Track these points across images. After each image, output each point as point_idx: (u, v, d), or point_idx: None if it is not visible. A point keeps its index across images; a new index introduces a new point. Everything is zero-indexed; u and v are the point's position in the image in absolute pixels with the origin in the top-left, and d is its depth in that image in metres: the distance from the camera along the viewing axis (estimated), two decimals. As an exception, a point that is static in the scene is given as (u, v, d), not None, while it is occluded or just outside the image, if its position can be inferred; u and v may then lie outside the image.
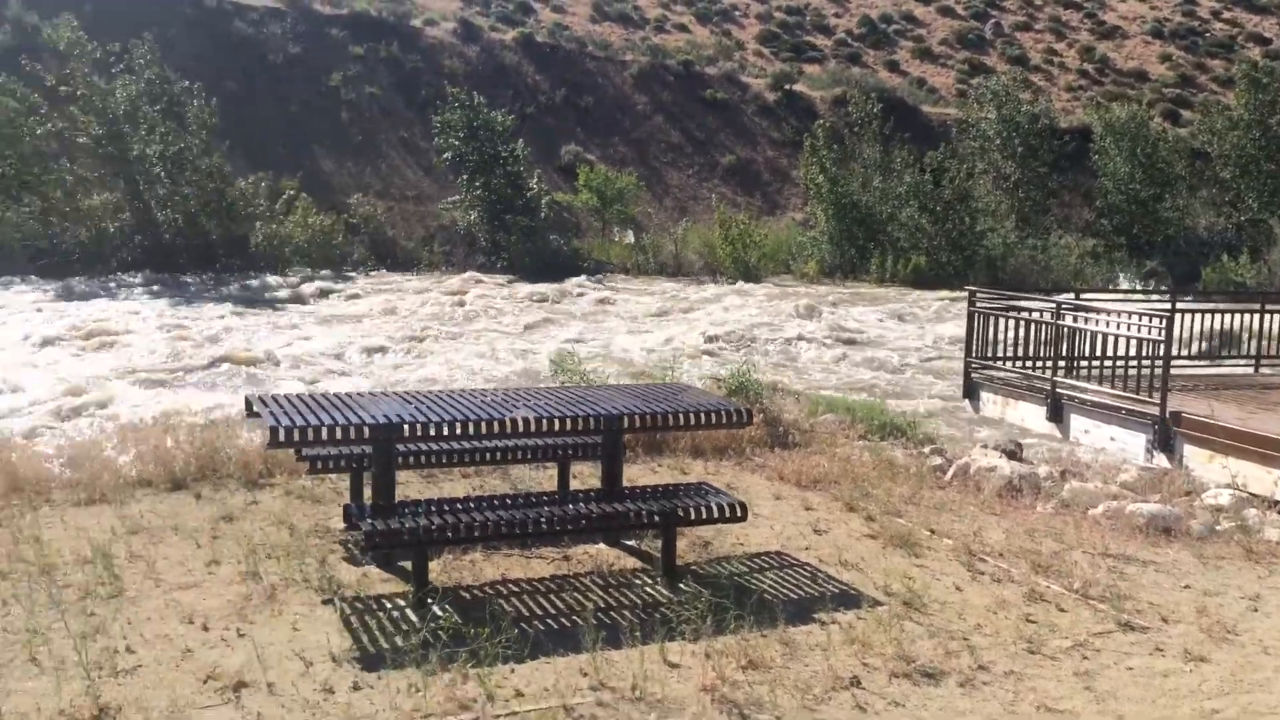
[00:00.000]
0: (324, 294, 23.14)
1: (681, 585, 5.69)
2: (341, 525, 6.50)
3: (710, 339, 18.38)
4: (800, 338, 18.86)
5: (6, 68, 25.32)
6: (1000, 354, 10.58)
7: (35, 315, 18.91)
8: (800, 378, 15.08)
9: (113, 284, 23.07)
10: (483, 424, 5.68)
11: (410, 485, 7.42)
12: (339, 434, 5.49)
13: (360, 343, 16.98)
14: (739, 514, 6.00)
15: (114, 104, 24.72)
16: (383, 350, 16.57)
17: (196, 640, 4.87)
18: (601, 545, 6.40)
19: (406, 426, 5.59)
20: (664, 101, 38.82)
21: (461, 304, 22.03)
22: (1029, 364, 10.40)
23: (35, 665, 4.52)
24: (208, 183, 25.80)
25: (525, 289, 24.60)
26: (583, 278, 26.66)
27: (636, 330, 19.72)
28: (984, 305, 10.79)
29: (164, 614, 5.16)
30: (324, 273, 25.70)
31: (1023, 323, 10.48)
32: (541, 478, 7.72)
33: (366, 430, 5.53)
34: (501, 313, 21.17)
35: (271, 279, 24.48)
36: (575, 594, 5.64)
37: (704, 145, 37.74)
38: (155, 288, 22.70)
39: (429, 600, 5.31)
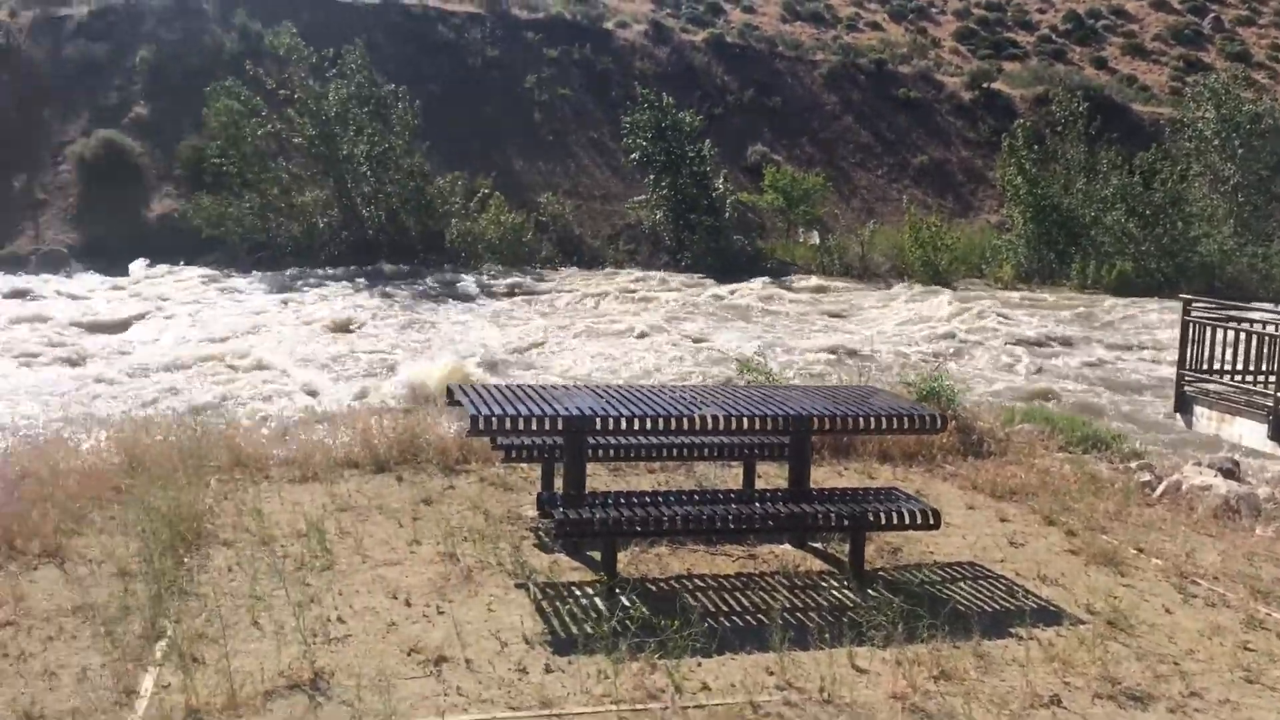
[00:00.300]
0: (513, 290, 23.84)
1: (870, 591, 5.60)
2: (532, 513, 6.69)
3: (895, 342, 17.97)
4: (990, 343, 18.21)
5: (234, 72, 27.18)
6: (1217, 367, 9.91)
7: (275, 305, 20.30)
8: (990, 385, 14.56)
9: (320, 275, 24.42)
10: (671, 420, 5.74)
11: (597, 477, 7.56)
12: (534, 425, 5.66)
13: (546, 336, 17.43)
14: (931, 521, 5.85)
15: (326, 106, 26.18)
16: (564, 345, 16.96)
17: (400, 615, 5.12)
18: (787, 546, 6.36)
19: (598, 420, 5.71)
20: (854, 101, 38.18)
21: (645, 301, 22.31)
22: (1250, 378, 9.70)
23: (258, 629, 4.84)
24: (409, 181, 26.99)
25: (709, 288, 24.67)
26: (765, 279, 26.51)
27: (823, 330, 19.49)
28: (1200, 315, 10.13)
29: (371, 588, 5.44)
30: (513, 269, 26.46)
31: (1244, 334, 9.79)
32: (726, 476, 7.73)
33: (560, 422, 5.68)
34: (684, 311, 21.30)
35: (465, 275, 25.38)
36: (761, 593, 5.62)
37: (894, 145, 36.92)
38: (359, 280, 23.93)
39: (617, 590, 5.40)
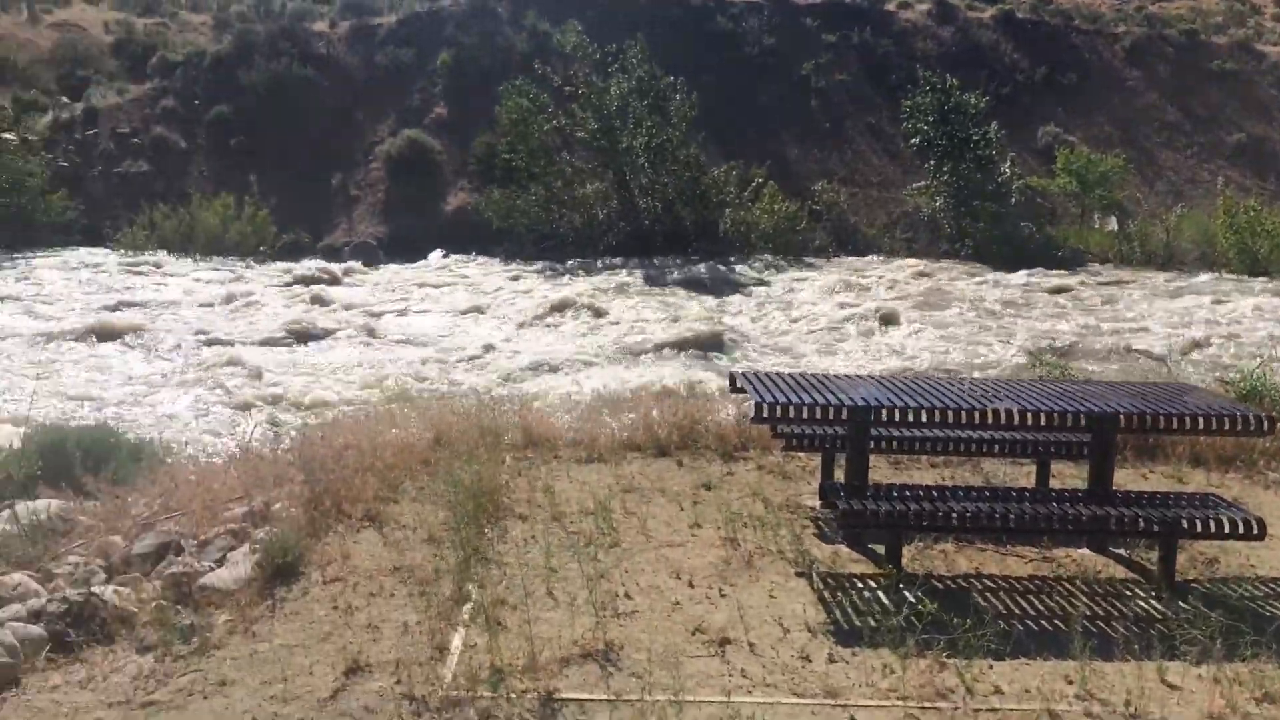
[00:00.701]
0: (791, 281, 23.77)
1: (1182, 603, 5.18)
2: (811, 502, 6.66)
3: (1206, 339, 16.52)
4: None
5: (524, 71, 28.65)
6: None
7: (558, 291, 21.35)
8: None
9: (600, 265, 25.32)
10: (961, 413, 5.53)
11: (877, 469, 7.41)
12: (817, 413, 5.63)
13: (821, 324, 17.27)
14: (1255, 531, 5.35)
15: (608, 101, 27.10)
16: (845, 334, 16.73)
17: (684, 595, 5.23)
18: (1085, 550, 5.99)
19: (884, 410, 5.59)
20: (1160, 75, 35.38)
21: (924, 290, 21.66)
22: None
23: (552, 599, 5.10)
24: (684, 172, 27.49)
25: (991, 276, 23.64)
26: (1054, 269, 25.05)
27: (1116, 320, 18.22)
28: None
29: (655, 567, 5.59)
30: (784, 257, 26.36)
31: None
32: (1016, 474, 7.38)
33: (844, 411, 5.61)
34: (968, 299, 20.50)
35: (738, 265, 25.57)
36: (1058, 598, 5.33)
37: (1206, 123, 33.92)
38: (637, 271, 24.61)
39: (902, 585, 5.29)
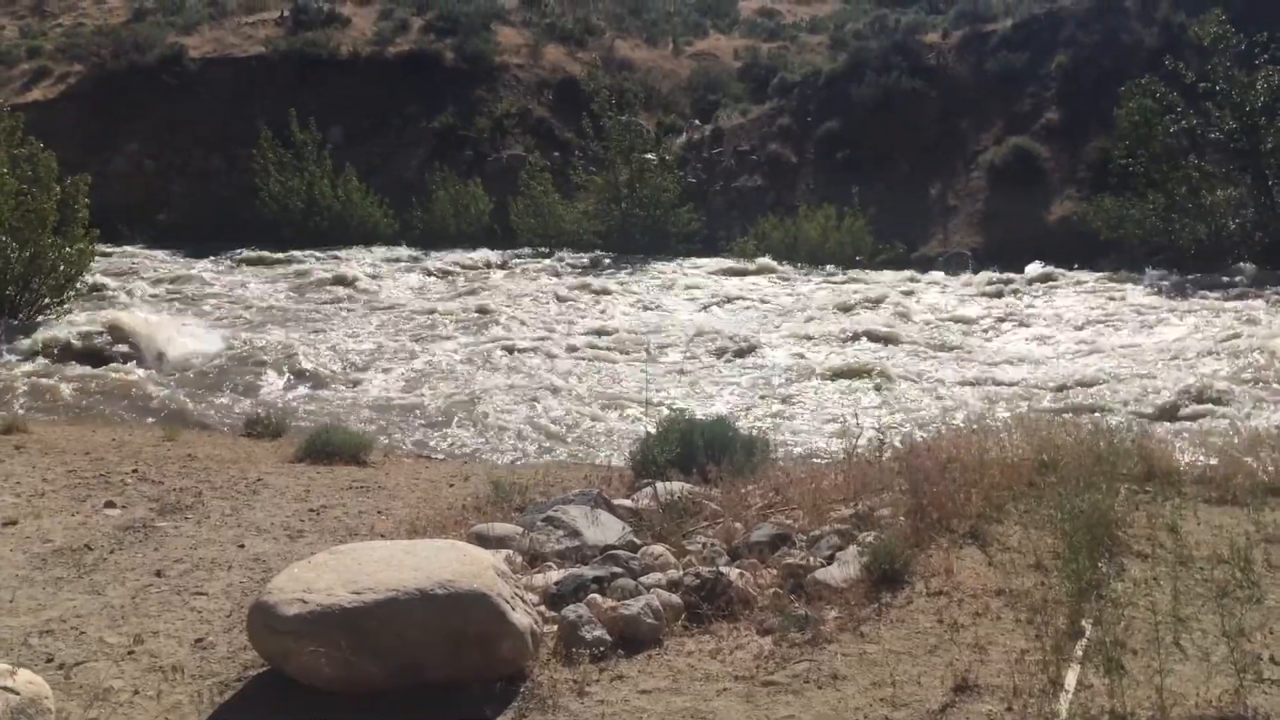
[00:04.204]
0: None
1: None
2: None
3: None
4: None
5: (1150, 69, 26.40)
6: None
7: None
8: None
9: (1228, 282, 22.57)
10: None
11: None
12: None
13: None
14: None
15: (1252, 97, 24.01)
16: None
17: (1348, 672, 4.49)
18: None
19: None
20: None
21: None
22: None
23: (1179, 650, 4.65)
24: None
25: None
26: None
27: None
28: None
29: (1311, 633, 4.87)
30: None
31: None
32: None
33: None
34: None
35: None
36: None
37: None
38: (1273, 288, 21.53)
39: None
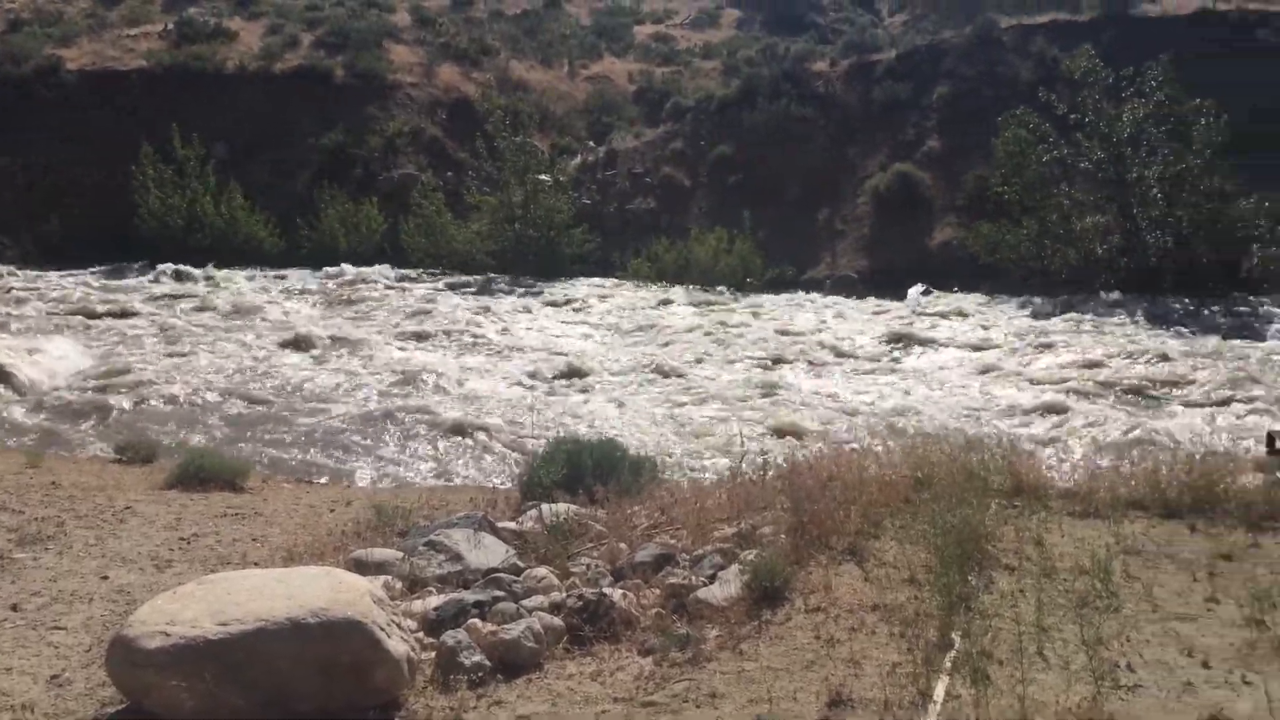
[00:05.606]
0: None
1: None
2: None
3: None
4: None
5: (1025, 101, 27.43)
6: None
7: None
8: None
9: (1095, 304, 23.56)
10: None
11: None
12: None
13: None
14: None
15: (1119, 128, 25.18)
16: None
17: (1197, 675, 4.70)
18: None
19: None
20: None
21: None
22: None
23: (1043, 659, 4.81)
24: (1205, 204, 24.79)
25: None
26: None
27: None
28: None
29: (1162, 640, 5.08)
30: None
31: None
32: None
33: None
34: None
35: (1266, 308, 22.54)
36: None
37: None
38: (1138, 311, 22.58)
39: None
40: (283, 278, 27.84)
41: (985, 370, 16.93)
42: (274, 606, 4.53)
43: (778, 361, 17.78)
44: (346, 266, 28.76)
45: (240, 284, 26.78)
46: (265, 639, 4.38)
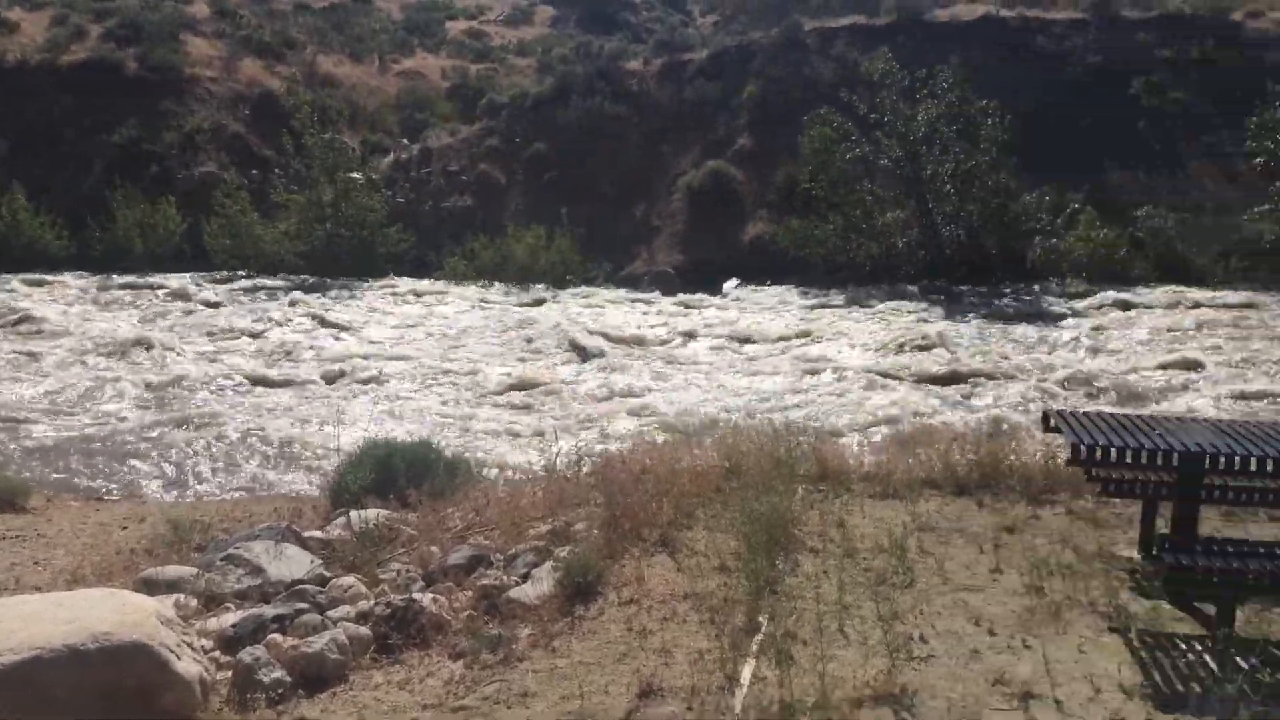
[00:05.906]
0: (1108, 313, 22.18)
1: None
2: (1127, 552, 6.16)
3: None
4: None
5: (829, 101, 28.47)
6: None
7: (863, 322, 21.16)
8: None
9: (896, 293, 24.70)
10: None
11: (1207, 521, 6.74)
12: (1142, 459, 5.20)
13: (1145, 363, 15.98)
14: None
15: (914, 127, 26.47)
16: (1168, 372, 15.41)
17: (984, 643, 4.97)
18: None
19: (1222, 459, 5.08)
20: None
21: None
22: None
23: (843, 636, 4.99)
24: (992, 199, 26.37)
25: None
26: None
27: None
28: None
29: (952, 611, 5.36)
30: (1098, 287, 24.54)
31: None
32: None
33: (1175, 458, 5.15)
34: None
35: (1046, 296, 24.16)
36: None
37: None
38: (935, 299, 23.80)
39: (1233, 650, 4.76)
40: (64, 285, 26.03)
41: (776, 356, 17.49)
42: (51, 633, 4.24)
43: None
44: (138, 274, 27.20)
45: (17, 287, 24.96)
46: (41, 668, 4.09)
